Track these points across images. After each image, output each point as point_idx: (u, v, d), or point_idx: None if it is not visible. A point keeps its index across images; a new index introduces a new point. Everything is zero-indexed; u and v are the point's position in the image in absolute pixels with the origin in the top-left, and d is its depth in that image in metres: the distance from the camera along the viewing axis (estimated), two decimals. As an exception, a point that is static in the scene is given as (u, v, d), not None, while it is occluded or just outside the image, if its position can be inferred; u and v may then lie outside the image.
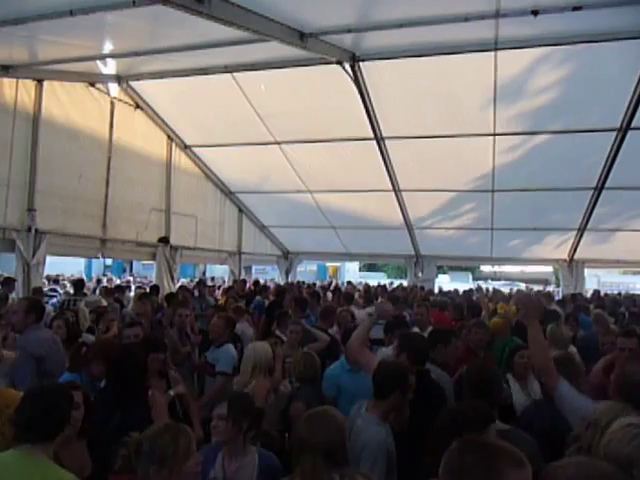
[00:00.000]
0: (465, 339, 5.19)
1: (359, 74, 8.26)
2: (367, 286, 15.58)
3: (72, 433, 2.59)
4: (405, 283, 15.41)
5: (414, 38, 7.15)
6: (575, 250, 13.17)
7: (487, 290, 16.37)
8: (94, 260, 24.84)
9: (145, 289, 13.86)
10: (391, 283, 21.23)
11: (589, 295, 13.35)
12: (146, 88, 10.30)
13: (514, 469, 1.43)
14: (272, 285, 13.98)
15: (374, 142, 10.02)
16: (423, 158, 10.40)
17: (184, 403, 3.74)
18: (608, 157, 9.37)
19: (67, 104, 9.27)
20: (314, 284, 14.80)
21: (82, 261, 27.00)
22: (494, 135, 9.28)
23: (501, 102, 8.45)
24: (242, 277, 14.29)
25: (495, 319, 6.07)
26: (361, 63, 8.09)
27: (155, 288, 9.63)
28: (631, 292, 17.69)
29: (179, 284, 12.35)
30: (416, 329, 5.76)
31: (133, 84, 10.17)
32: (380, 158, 10.47)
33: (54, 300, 11.13)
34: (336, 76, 8.27)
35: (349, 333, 4.97)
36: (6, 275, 10.19)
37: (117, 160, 10.28)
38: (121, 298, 9.61)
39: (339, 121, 9.75)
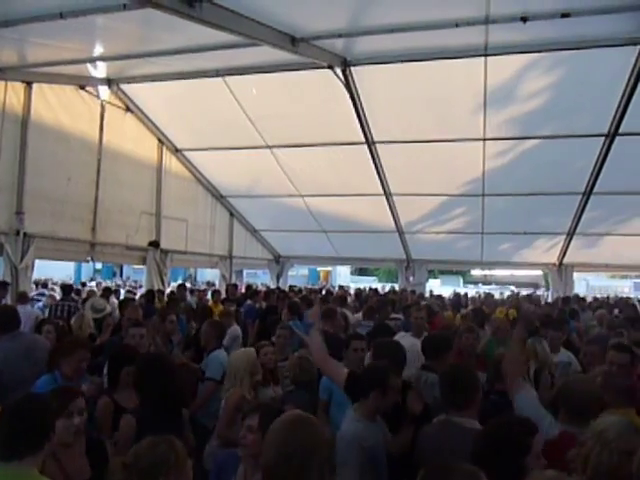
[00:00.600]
0: (457, 344, 5.20)
1: (350, 79, 8.29)
2: (358, 290, 15.61)
3: (74, 438, 2.60)
4: (396, 287, 15.43)
5: (405, 43, 7.20)
6: (564, 254, 13.26)
7: (478, 294, 16.43)
8: (84, 264, 24.75)
9: (135, 293, 13.82)
10: (383, 287, 21.27)
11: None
12: (137, 91, 10.27)
13: None
14: (263, 289, 13.94)
15: (365, 146, 10.04)
16: (414, 162, 10.44)
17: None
18: (596, 162, 9.44)
19: (56, 107, 9.21)
20: (301, 289, 14.71)
21: (72, 265, 26.86)
22: (484, 140, 9.34)
23: (491, 107, 8.51)
24: (233, 281, 14.23)
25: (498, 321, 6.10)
26: (352, 68, 8.13)
27: (150, 293, 9.45)
28: (619, 295, 17.89)
29: (170, 288, 12.28)
30: (402, 334, 5.73)
31: (124, 87, 10.12)
32: (371, 162, 10.50)
33: (40, 304, 11.04)
34: (327, 80, 8.29)
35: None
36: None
37: (107, 163, 10.21)
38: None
39: (330, 125, 9.78)
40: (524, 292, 18.64)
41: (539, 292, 19.40)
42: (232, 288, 11.34)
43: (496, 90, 8.13)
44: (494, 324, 6.27)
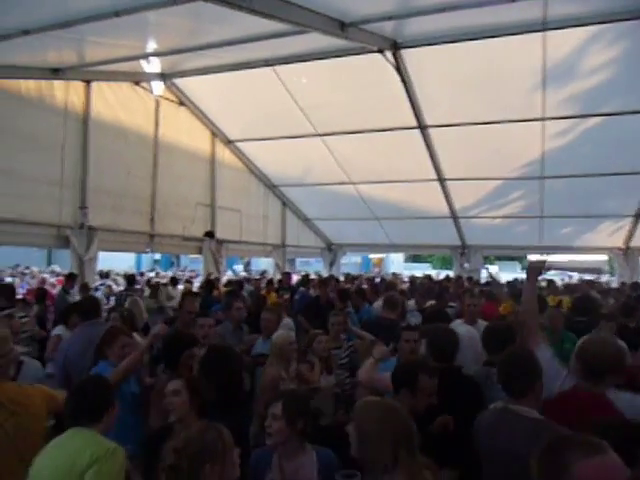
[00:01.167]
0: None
1: (401, 62, 8.13)
2: (412, 277, 15.39)
3: (187, 414, 2.82)
4: (451, 274, 15.11)
5: (457, 22, 6.96)
6: (631, 237, 12.58)
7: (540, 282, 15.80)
8: (143, 255, 25.67)
9: (192, 282, 14.21)
10: (438, 274, 20.92)
11: None
12: (189, 85, 10.48)
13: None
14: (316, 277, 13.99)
15: (417, 131, 9.86)
16: (468, 146, 10.15)
17: None
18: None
19: (114, 104, 9.54)
20: (354, 277, 14.54)
21: (132, 256, 27.92)
22: (543, 120, 8.96)
23: (550, 85, 8.14)
24: (286, 270, 14.39)
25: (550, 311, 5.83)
26: (403, 50, 7.95)
27: (209, 283, 9.69)
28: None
29: (225, 277, 12.56)
30: (458, 322, 5.58)
31: (176, 81, 10.35)
32: (424, 147, 10.30)
33: (99, 293, 11.57)
34: (377, 65, 8.16)
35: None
36: (65, 271, 10.61)
37: (163, 157, 10.52)
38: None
39: (381, 111, 9.63)
40: (586, 278, 17.83)
41: (603, 278, 18.52)
42: (285, 276, 11.45)
43: (555, 67, 7.77)
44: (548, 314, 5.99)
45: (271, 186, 13.92)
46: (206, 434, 2.15)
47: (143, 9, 5.85)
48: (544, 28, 6.88)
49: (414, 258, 39.01)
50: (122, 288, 11.68)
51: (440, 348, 3.51)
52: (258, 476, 2.63)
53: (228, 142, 12.22)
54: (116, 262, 22.61)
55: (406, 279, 15.58)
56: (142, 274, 19.10)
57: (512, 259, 35.03)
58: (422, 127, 9.74)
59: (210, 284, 9.47)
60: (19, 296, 8.22)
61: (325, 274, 15.33)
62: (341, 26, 6.90)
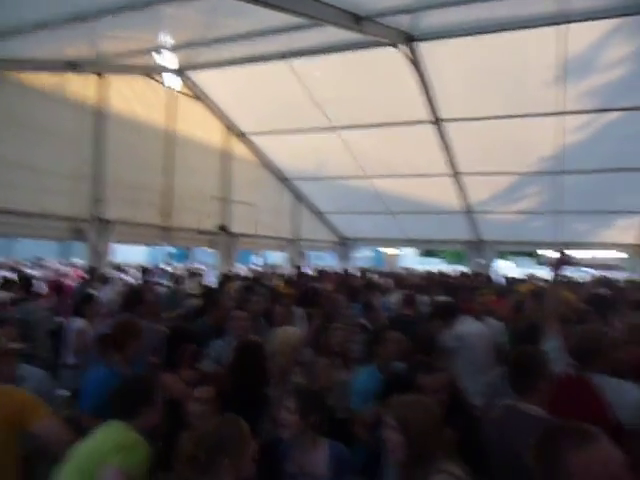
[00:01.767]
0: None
1: (416, 55, 8.05)
2: (428, 273, 15.24)
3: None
4: (465, 269, 15.00)
5: (474, 15, 6.88)
6: (648, 234, 12.39)
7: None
8: (157, 248, 25.82)
9: (201, 275, 14.24)
10: (454, 270, 20.75)
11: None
12: (203, 78, 10.51)
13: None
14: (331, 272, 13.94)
15: (433, 125, 9.77)
16: (483, 140, 10.03)
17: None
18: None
19: (129, 97, 9.60)
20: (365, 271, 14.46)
21: (145, 250, 28.14)
22: (561, 114, 8.82)
23: (569, 79, 8.00)
24: (299, 264, 14.40)
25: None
26: (418, 43, 7.87)
27: (227, 278, 9.66)
28: None
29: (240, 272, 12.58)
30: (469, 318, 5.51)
31: (190, 75, 10.38)
32: (439, 141, 10.22)
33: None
34: (393, 58, 8.08)
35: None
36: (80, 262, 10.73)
37: (177, 150, 10.56)
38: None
39: (396, 104, 9.56)
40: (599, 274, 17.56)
41: (620, 275, 18.25)
42: (299, 270, 11.45)
43: (574, 60, 7.61)
44: None
45: (284, 179, 13.91)
46: (224, 427, 2.16)
47: (159, 2, 5.87)
48: (562, 21, 6.76)
49: (428, 253, 38.78)
50: (137, 280, 11.75)
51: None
52: (275, 466, 2.67)
53: (242, 135, 12.22)
54: (129, 255, 22.79)
55: (421, 274, 15.44)
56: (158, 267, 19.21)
57: (527, 255, 34.68)
58: (438, 121, 9.65)
59: (227, 279, 9.50)
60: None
61: (338, 268, 15.34)
62: (356, 19, 6.84)
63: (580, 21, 6.83)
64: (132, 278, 12.50)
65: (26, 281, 7.77)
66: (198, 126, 11.23)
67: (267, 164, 13.28)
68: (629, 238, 12.75)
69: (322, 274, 11.48)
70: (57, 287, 8.75)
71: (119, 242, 9.69)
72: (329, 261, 21.77)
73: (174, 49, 8.39)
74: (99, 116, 9.06)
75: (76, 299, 6.44)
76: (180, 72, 9.92)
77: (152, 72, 9.77)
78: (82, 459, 2.39)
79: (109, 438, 2.44)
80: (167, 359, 3.96)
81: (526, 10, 6.74)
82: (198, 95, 11.00)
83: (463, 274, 12.80)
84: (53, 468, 2.43)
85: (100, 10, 6.04)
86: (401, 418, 2.20)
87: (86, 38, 7.46)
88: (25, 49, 7.40)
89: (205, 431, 2.16)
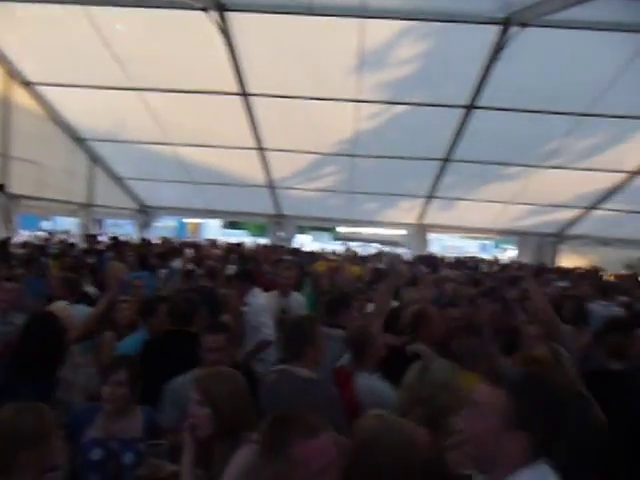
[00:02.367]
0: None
1: (227, 25, 7.92)
2: (230, 244, 15.36)
3: None
4: (265, 241, 15.54)
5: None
6: (423, 215, 14.27)
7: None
8: None
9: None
10: (255, 242, 21.23)
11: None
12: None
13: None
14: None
15: (239, 97, 9.77)
16: (288, 118, 10.40)
17: None
18: (457, 132, 10.10)
19: None
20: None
21: None
22: (358, 102, 9.56)
23: (366, 70, 8.69)
24: (94, 231, 13.33)
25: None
26: (229, 13, 7.75)
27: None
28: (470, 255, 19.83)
29: (22, 237, 11.17)
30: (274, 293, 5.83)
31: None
32: (246, 115, 10.28)
33: None
34: (203, 24, 7.80)
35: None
36: None
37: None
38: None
39: (205, 73, 9.31)
40: (387, 249, 19.73)
41: (400, 250, 20.68)
42: (91, 239, 10.62)
43: (371, 53, 8.29)
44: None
45: (79, 139, 12.61)
46: (21, 416, 1.89)
47: None
48: (363, 15, 7.30)
49: (232, 225, 39.02)
50: None
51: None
52: (76, 432, 2.64)
53: (27, 84, 10.69)
54: None
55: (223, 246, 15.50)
56: None
57: (324, 229, 37.12)
58: (245, 94, 9.68)
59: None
60: None
61: (137, 238, 14.61)
62: (164, -24, 6.47)
63: (377, 18, 7.44)
64: None
65: None
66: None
67: (58, 120, 11.83)
68: (410, 218, 14.54)
69: (117, 243, 10.76)
70: None
71: None
72: (128, 230, 20.57)
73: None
74: None
75: None
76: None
77: None
78: None
79: None
80: None
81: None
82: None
83: (264, 246, 13.25)
84: None
85: None
86: (207, 391, 2.17)
87: None
88: None
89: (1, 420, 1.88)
